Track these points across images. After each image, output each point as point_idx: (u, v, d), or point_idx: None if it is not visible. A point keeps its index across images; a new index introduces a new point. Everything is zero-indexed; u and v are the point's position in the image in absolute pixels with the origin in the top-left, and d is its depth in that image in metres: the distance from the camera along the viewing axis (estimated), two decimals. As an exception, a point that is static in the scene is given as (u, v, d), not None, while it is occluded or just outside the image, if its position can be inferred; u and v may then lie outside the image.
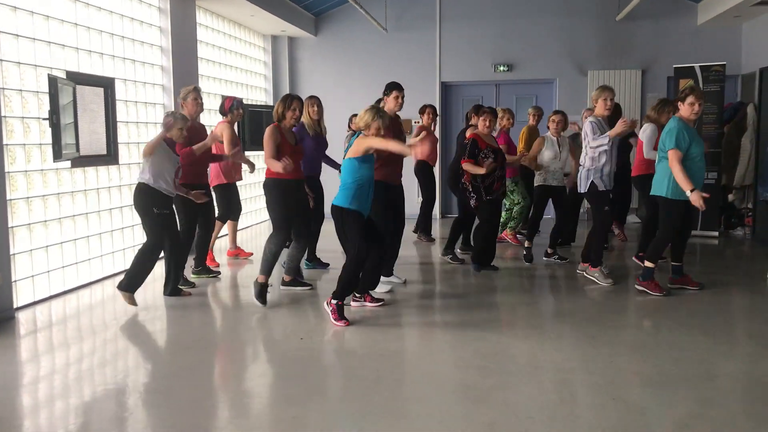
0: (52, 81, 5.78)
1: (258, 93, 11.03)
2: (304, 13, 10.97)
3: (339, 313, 5.22)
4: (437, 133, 10.90)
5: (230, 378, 4.33)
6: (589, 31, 10.94)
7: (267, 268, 5.80)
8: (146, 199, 5.65)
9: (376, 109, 5.19)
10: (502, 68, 11.15)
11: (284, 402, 3.84)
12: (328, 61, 11.56)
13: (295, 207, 5.89)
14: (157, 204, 5.68)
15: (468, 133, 7.12)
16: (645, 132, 7.06)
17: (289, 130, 5.86)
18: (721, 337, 4.91)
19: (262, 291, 5.77)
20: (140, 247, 5.78)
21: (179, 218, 6.49)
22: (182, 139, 5.81)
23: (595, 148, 6.17)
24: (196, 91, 6.48)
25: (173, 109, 5.82)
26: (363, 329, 5.13)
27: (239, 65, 10.39)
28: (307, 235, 6.17)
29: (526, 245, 7.54)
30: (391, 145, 5.17)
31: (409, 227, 8.58)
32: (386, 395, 3.88)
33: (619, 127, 6.02)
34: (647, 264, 5.88)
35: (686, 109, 5.69)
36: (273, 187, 5.76)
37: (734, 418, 3.53)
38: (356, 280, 5.37)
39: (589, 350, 4.57)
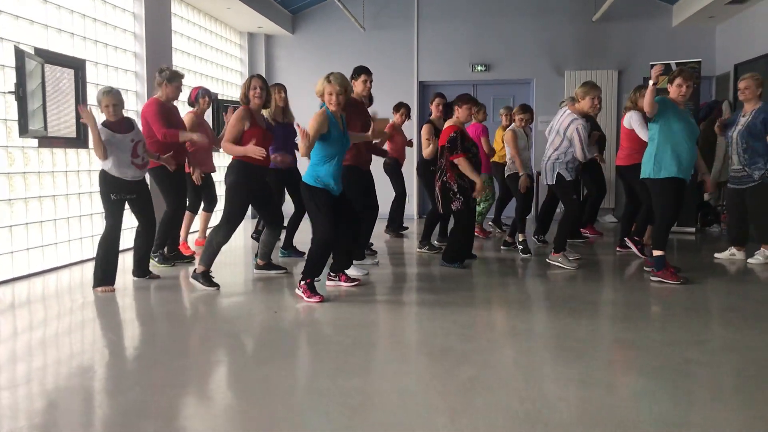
0: (19, 53, 5.62)
1: (233, 89, 10.88)
2: (282, 9, 10.89)
3: (311, 290, 5.06)
4: (413, 132, 10.95)
5: (199, 343, 4.15)
6: (566, 32, 10.98)
7: (207, 260, 5.49)
8: (104, 185, 5.39)
9: (327, 75, 5.07)
10: (479, 68, 11.14)
11: (255, 364, 3.68)
12: (305, 59, 11.46)
13: (260, 194, 5.64)
14: (116, 189, 5.38)
15: (446, 125, 6.84)
16: (632, 119, 6.96)
17: (259, 113, 5.55)
18: (701, 310, 4.85)
19: (205, 276, 5.49)
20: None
21: (166, 199, 6.32)
22: (113, 117, 5.35)
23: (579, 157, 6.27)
24: (181, 80, 6.37)
25: (108, 87, 5.49)
26: (338, 305, 4.98)
27: (215, 60, 10.26)
28: (280, 221, 5.98)
29: (521, 239, 7.22)
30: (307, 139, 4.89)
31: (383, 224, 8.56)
32: (362, 356, 3.75)
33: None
34: (656, 253, 5.68)
35: (674, 90, 5.62)
36: (238, 169, 5.40)
37: (722, 377, 3.44)
38: (323, 260, 5.17)
39: (569, 321, 4.46)
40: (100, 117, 5.44)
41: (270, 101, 5.69)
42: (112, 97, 5.36)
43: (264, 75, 11.23)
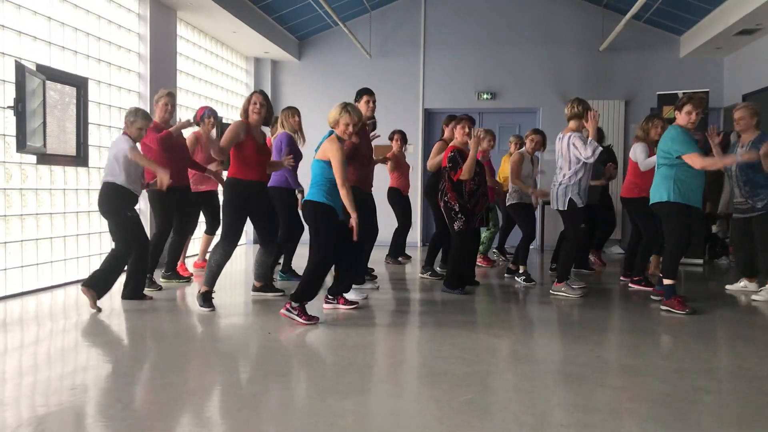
0: (19, 68, 5.57)
1: (238, 114, 10.85)
2: (288, 35, 10.91)
3: (304, 312, 4.90)
4: (419, 160, 10.89)
5: (189, 361, 3.99)
6: (573, 61, 10.95)
7: (210, 280, 5.39)
8: (117, 200, 5.37)
9: (344, 105, 4.99)
10: (485, 96, 11.10)
11: (245, 382, 3.54)
12: (312, 85, 11.45)
13: (256, 211, 5.52)
14: (129, 204, 5.42)
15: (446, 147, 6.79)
16: (635, 151, 6.83)
17: (257, 128, 5.48)
18: (710, 339, 4.70)
19: (205, 297, 5.40)
20: (111, 251, 5.45)
21: (155, 219, 6.29)
22: (140, 138, 5.57)
23: (587, 158, 6.01)
24: (169, 96, 6.36)
25: (137, 107, 5.60)
26: (335, 327, 4.85)
27: (220, 84, 10.25)
28: (274, 240, 5.84)
29: (522, 270, 7.06)
30: (340, 174, 4.85)
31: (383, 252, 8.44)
32: (356, 377, 3.60)
33: (591, 122, 6.04)
34: (666, 282, 5.54)
35: (683, 117, 5.50)
36: (231, 186, 5.36)
37: (730, 405, 3.29)
38: (319, 282, 5.01)
39: (573, 347, 4.31)
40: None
41: (271, 118, 5.63)
42: (149, 121, 5.63)
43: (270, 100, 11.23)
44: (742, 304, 6.02)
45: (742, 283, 6.64)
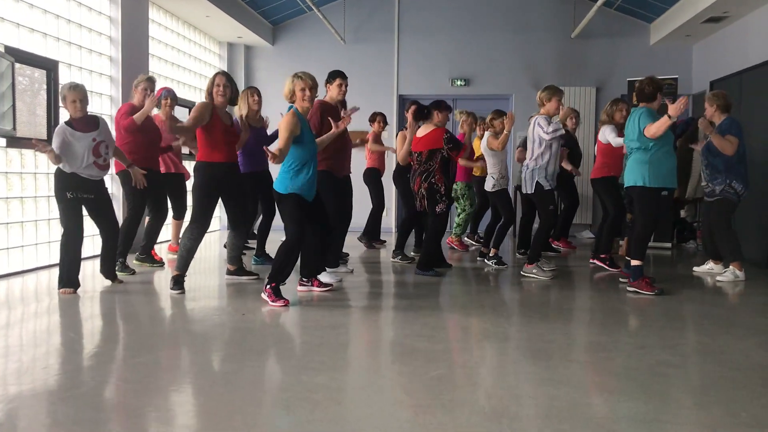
0: (-12, 49, 5.52)
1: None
2: (262, 20, 10.86)
3: (275, 293, 4.93)
4: (393, 145, 10.90)
5: (161, 342, 4.01)
6: (545, 48, 11.04)
7: (181, 265, 5.41)
8: (57, 183, 5.25)
9: (293, 75, 5.00)
10: (459, 82, 11.16)
11: (217, 361, 3.58)
12: (285, 71, 11.12)
13: (226, 193, 5.51)
14: (72, 187, 5.21)
15: (428, 130, 6.77)
16: (604, 133, 7.01)
17: (223, 109, 5.43)
18: (675, 317, 4.82)
19: (177, 279, 5.40)
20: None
21: (128, 203, 6.24)
22: (80, 113, 5.21)
23: (549, 138, 6.15)
24: (148, 81, 6.33)
25: (74, 82, 5.37)
26: (309, 308, 4.89)
27: (193, 69, 10.18)
28: (244, 222, 5.86)
29: (492, 252, 7.12)
30: (281, 142, 4.82)
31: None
32: (329, 355, 3.64)
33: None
34: (634, 263, 5.63)
35: (657, 104, 5.68)
36: (200, 169, 5.34)
37: (693, 378, 3.39)
38: (289, 264, 5.05)
39: (542, 325, 4.40)
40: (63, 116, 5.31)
41: (236, 99, 5.58)
42: (79, 93, 5.22)
43: (243, 85, 11.18)
44: (708, 285, 6.17)
45: (709, 265, 6.79)
